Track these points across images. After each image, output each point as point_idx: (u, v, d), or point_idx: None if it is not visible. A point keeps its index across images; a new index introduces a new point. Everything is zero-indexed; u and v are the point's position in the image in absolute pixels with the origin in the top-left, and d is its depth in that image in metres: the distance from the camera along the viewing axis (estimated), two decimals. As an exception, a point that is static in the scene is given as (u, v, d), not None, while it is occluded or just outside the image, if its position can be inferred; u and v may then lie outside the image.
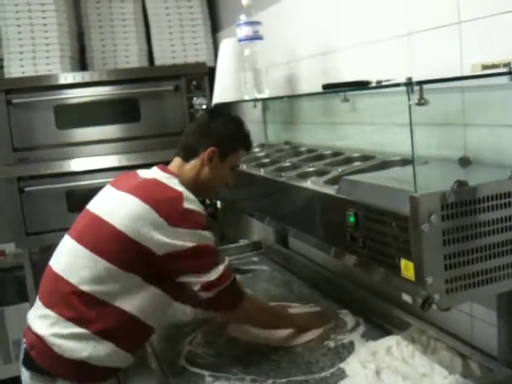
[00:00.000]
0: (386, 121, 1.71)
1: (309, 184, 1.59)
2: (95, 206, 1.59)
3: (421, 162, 1.38)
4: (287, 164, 1.95)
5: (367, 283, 1.87)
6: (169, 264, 1.47)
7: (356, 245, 1.31)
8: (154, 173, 1.61)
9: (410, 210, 1.08)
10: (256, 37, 2.17)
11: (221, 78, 2.42)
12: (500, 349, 1.35)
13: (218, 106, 2.40)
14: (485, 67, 1.23)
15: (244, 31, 2.17)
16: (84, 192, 2.55)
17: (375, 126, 1.81)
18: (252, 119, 2.83)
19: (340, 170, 1.61)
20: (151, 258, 1.45)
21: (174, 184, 1.55)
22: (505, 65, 1.18)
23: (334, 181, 1.50)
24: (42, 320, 1.48)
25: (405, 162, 1.51)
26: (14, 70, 2.99)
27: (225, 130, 1.67)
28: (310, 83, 2.15)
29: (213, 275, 1.48)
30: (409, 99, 1.08)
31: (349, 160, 1.77)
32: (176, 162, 1.67)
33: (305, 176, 1.69)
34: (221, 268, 1.50)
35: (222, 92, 2.40)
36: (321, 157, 1.94)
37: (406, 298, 1.16)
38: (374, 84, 1.47)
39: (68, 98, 3.00)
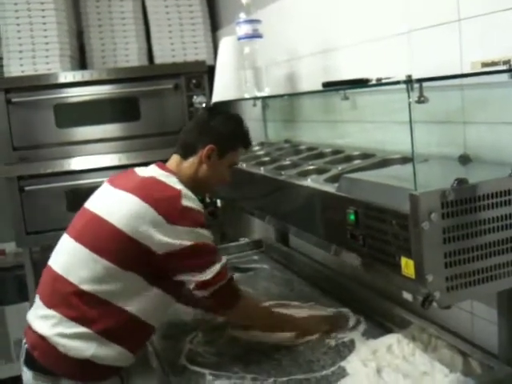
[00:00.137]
0: (386, 119, 1.71)
1: (309, 182, 1.59)
2: (94, 204, 1.59)
3: (421, 159, 1.38)
4: (287, 162, 1.94)
5: (368, 281, 1.87)
6: (168, 263, 1.47)
7: (356, 243, 1.31)
8: (153, 171, 1.61)
9: (410, 208, 1.08)
10: (256, 35, 2.17)
11: (220, 76, 2.42)
12: (500, 347, 1.35)
13: (217, 105, 2.39)
14: (484, 65, 1.23)
15: (244, 29, 2.17)
16: (84, 191, 2.55)
17: (375, 123, 1.81)
18: (252, 117, 2.83)
19: (340, 168, 1.61)
20: (151, 256, 1.45)
21: (173, 182, 1.55)
22: (504, 62, 1.18)
23: (334, 179, 1.50)
24: (44, 320, 1.48)
25: (405, 159, 1.51)
26: (13, 69, 2.99)
27: (224, 127, 1.67)
28: (310, 81, 2.15)
29: (208, 274, 1.48)
30: (409, 97, 1.08)
31: (349, 158, 1.77)
32: (174, 159, 1.67)
33: (305, 174, 1.69)
34: (217, 267, 1.50)
35: (222, 90, 2.40)
36: (321, 155, 1.94)
37: (407, 296, 1.16)
38: (373, 82, 1.47)
39: (68, 97, 3.00)
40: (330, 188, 1.45)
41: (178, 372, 1.57)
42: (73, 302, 1.45)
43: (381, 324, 1.71)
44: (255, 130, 2.73)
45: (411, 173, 1.10)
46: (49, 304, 1.49)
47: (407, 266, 1.13)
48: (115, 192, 1.56)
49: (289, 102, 2.42)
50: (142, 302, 1.50)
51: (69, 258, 1.52)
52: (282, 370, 1.51)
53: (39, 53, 3.01)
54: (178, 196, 1.49)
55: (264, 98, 2.51)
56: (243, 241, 2.77)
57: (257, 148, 2.47)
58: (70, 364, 1.44)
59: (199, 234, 1.48)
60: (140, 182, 1.56)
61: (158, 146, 2.95)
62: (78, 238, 1.52)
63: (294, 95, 2.37)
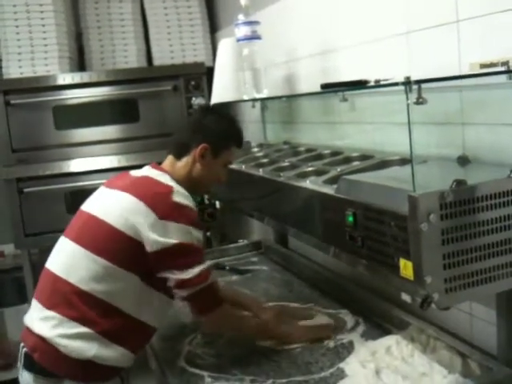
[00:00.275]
0: (384, 120, 1.71)
1: (308, 184, 1.59)
2: (90, 206, 1.60)
3: (419, 161, 1.38)
4: (286, 164, 1.94)
5: (366, 283, 1.87)
6: (154, 260, 1.47)
7: (355, 244, 1.31)
8: (147, 171, 1.63)
9: (408, 209, 1.08)
10: (254, 36, 2.17)
11: (219, 77, 2.42)
12: (499, 348, 1.35)
13: (216, 106, 2.39)
14: (483, 66, 1.23)
15: (242, 31, 2.17)
16: (83, 193, 2.55)
17: (374, 125, 1.81)
18: (251, 119, 2.83)
19: (339, 169, 1.61)
20: (145, 256, 1.45)
21: (166, 180, 1.56)
22: (503, 63, 1.18)
23: (332, 180, 1.50)
24: (44, 322, 1.48)
25: (403, 161, 1.51)
26: (12, 71, 2.99)
27: (217, 126, 1.67)
28: (309, 83, 2.15)
29: (188, 274, 1.47)
30: (407, 98, 1.08)
31: (348, 159, 1.77)
32: (168, 159, 1.67)
33: (304, 176, 1.69)
34: (198, 269, 1.48)
35: (221, 92, 2.40)
36: (320, 156, 1.94)
37: (405, 297, 1.16)
38: (372, 83, 1.47)
39: (67, 99, 3.00)
40: (329, 189, 1.45)
41: (176, 374, 1.56)
42: (73, 301, 1.45)
43: (379, 325, 1.71)
44: (254, 131, 2.74)
45: (410, 174, 1.10)
46: (48, 305, 1.49)
47: (406, 267, 1.13)
48: (110, 192, 1.58)
49: (288, 103, 2.42)
50: (140, 302, 1.50)
51: (68, 260, 1.52)
52: (281, 371, 1.51)
53: (38, 55, 3.02)
54: (169, 192, 1.50)
55: (263, 100, 2.51)
56: (242, 242, 2.77)
57: (256, 149, 2.47)
58: (72, 365, 1.44)
59: (188, 232, 1.48)
60: (134, 181, 1.58)
61: (157, 147, 2.95)
62: (77, 240, 1.52)
63: (293, 97, 2.37)
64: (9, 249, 3.48)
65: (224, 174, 1.71)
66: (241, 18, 2.16)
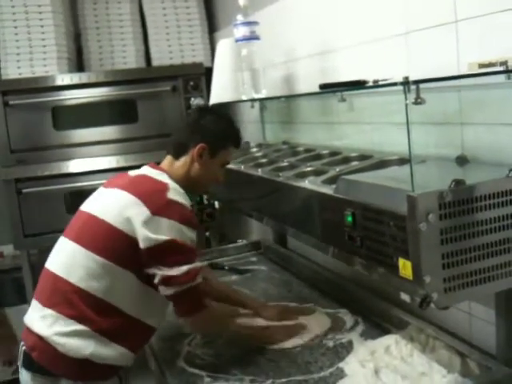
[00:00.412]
0: (383, 120, 1.71)
1: (307, 184, 1.59)
2: (89, 206, 1.60)
3: (418, 161, 1.38)
4: (285, 164, 1.95)
5: (366, 283, 1.87)
6: (147, 258, 1.47)
7: (354, 244, 1.31)
8: (145, 170, 1.64)
9: (407, 209, 1.08)
10: (253, 37, 2.17)
11: (218, 78, 2.42)
12: (498, 347, 1.35)
13: (215, 106, 2.39)
14: (481, 66, 1.23)
15: (241, 31, 2.17)
16: (82, 193, 2.56)
17: (372, 125, 1.81)
18: (249, 119, 2.83)
19: (338, 169, 1.61)
20: (140, 254, 1.46)
21: (162, 178, 1.58)
22: (501, 63, 1.18)
23: (331, 180, 1.50)
24: (42, 320, 1.48)
25: (402, 161, 1.51)
26: (10, 72, 2.99)
27: (214, 126, 1.68)
28: (308, 83, 2.15)
29: (175, 271, 1.46)
30: (406, 98, 1.08)
31: (346, 159, 1.77)
32: (167, 159, 1.68)
33: (303, 176, 1.69)
34: (186, 267, 1.47)
35: (220, 92, 2.40)
36: (318, 156, 1.94)
37: (405, 297, 1.16)
38: (370, 83, 1.47)
39: (65, 100, 3.00)
40: (328, 189, 1.45)
41: (176, 374, 1.56)
42: (74, 301, 1.46)
43: (379, 325, 1.71)
44: (253, 131, 2.74)
45: (409, 174, 1.10)
46: (47, 304, 1.49)
47: (405, 267, 1.13)
48: (108, 191, 1.59)
49: (286, 103, 2.42)
50: (138, 302, 1.51)
51: (68, 260, 1.52)
52: (281, 371, 1.51)
53: (37, 55, 3.01)
54: (164, 189, 1.52)
55: (262, 100, 2.51)
56: (241, 242, 2.77)
57: (255, 149, 2.47)
58: (69, 364, 1.44)
59: (181, 231, 1.48)
60: (132, 180, 1.60)
61: (155, 147, 2.95)
62: (77, 240, 1.53)
63: (292, 97, 2.37)
64: (8, 249, 3.48)
65: (222, 174, 1.72)
66: (239, 18, 2.17)
